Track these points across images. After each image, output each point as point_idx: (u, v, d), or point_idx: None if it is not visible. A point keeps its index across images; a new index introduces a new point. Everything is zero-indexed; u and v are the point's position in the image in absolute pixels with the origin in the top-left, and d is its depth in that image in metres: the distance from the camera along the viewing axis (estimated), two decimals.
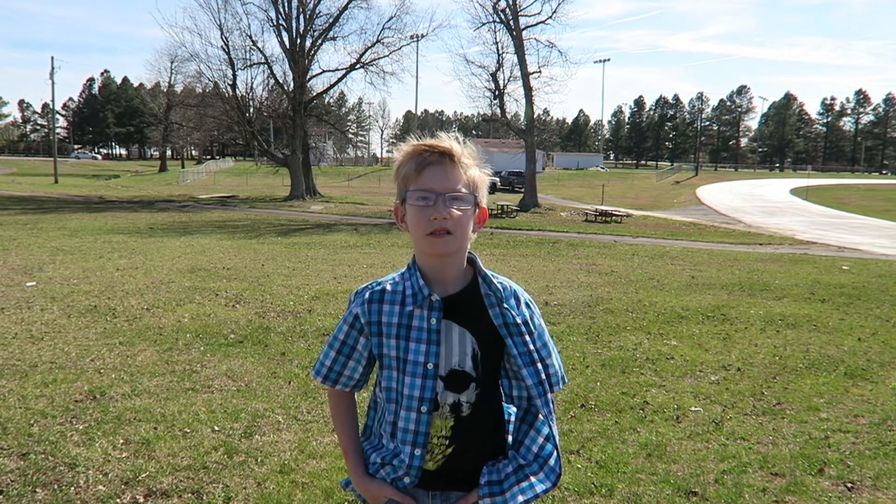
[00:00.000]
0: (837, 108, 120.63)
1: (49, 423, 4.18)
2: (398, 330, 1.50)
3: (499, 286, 1.55)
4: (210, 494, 3.36)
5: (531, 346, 1.54)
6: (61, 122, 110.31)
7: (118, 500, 3.27)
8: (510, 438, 1.61)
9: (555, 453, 1.54)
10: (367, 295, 1.54)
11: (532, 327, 1.56)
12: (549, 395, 1.54)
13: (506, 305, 1.54)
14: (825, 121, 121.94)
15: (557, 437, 1.56)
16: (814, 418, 4.68)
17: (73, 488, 3.36)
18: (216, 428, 4.19)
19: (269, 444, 3.99)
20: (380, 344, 1.53)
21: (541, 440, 1.54)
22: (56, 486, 3.38)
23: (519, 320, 1.54)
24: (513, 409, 1.63)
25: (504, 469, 1.54)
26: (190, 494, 3.36)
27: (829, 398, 5.12)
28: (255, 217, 24.78)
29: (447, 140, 1.50)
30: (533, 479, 1.52)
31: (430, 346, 1.49)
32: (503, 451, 1.60)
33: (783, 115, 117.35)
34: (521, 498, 1.50)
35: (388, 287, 1.54)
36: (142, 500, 3.29)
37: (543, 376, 1.54)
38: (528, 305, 1.59)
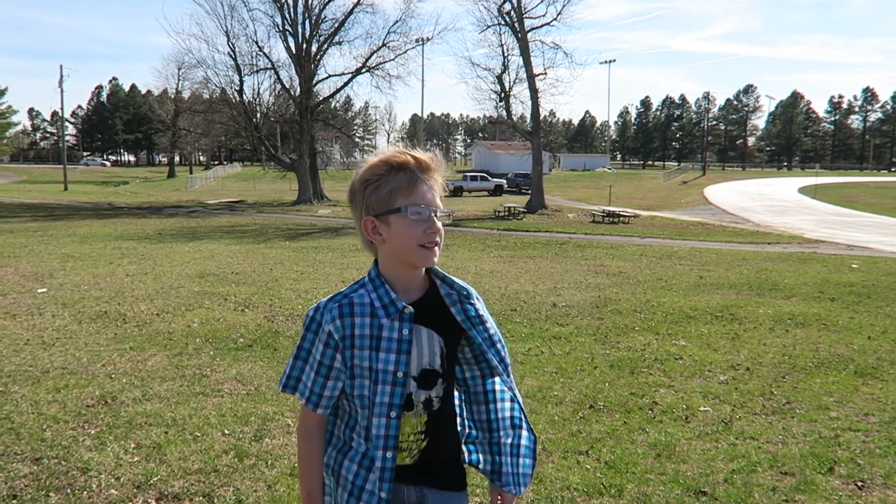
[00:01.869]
0: (845, 105, 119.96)
1: (61, 427, 4.22)
2: (370, 342, 1.55)
3: (462, 286, 1.67)
4: (221, 498, 3.38)
5: (490, 332, 1.67)
6: (70, 129, 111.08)
7: None
8: (468, 419, 1.77)
9: (523, 413, 1.75)
10: (336, 311, 1.55)
11: (486, 316, 1.69)
12: (510, 369, 1.70)
13: (469, 302, 1.65)
14: (833, 119, 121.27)
15: (520, 398, 1.74)
16: (824, 417, 4.67)
17: (85, 492, 3.40)
18: (226, 432, 4.22)
19: (280, 447, 4.01)
20: (352, 356, 1.56)
21: (508, 404, 1.74)
22: (69, 491, 3.41)
23: (479, 313, 1.66)
24: (457, 395, 1.76)
25: (496, 456, 1.73)
26: (201, 498, 3.38)
27: (839, 397, 5.11)
28: (263, 222, 24.88)
29: (429, 156, 1.56)
30: (522, 440, 1.74)
31: (399, 356, 1.55)
32: (459, 440, 1.74)
33: (790, 113, 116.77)
34: (528, 461, 1.73)
35: (356, 300, 1.57)
36: (153, 503, 3.32)
37: (503, 354, 1.69)
38: (478, 299, 1.71)
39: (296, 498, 3.38)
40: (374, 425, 1.56)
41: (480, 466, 1.77)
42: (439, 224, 1.55)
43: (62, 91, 53.72)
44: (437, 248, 1.56)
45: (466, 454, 1.78)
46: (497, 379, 1.72)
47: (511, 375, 1.71)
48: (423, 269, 1.62)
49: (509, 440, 1.73)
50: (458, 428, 1.76)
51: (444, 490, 1.66)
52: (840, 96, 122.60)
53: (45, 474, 3.57)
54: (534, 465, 1.76)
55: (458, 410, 1.76)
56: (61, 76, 53.90)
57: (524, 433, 1.75)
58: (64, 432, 4.14)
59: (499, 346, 1.69)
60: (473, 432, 1.78)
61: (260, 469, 3.71)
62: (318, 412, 1.60)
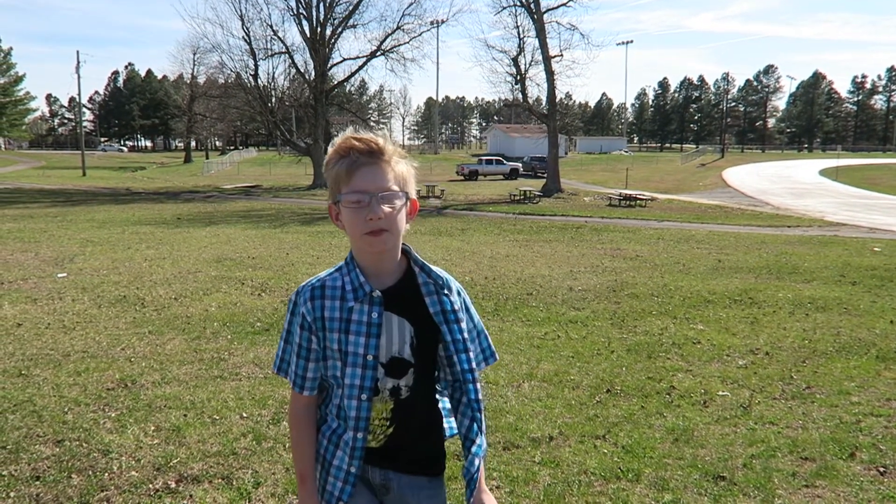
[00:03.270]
0: (868, 85, 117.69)
1: (82, 410, 4.27)
2: (340, 324, 1.56)
3: (439, 275, 1.62)
4: (240, 480, 3.41)
5: (464, 334, 1.62)
6: (88, 115, 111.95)
7: (150, 486, 3.34)
8: (453, 427, 1.72)
9: (480, 436, 1.66)
10: (308, 293, 1.57)
11: (464, 313, 1.64)
12: (479, 383, 1.64)
13: (445, 293, 1.61)
14: (855, 99, 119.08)
15: (483, 419, 1.66)
16: (845, 402, 4.61)
17: (106, 474, 3.44)
18: (244, 415, 4.25)
19: None
20: (323, 338, 1.58)
21: (467, 422, 1.65)
22: (90, 472, 3.46)
23: (455, 307, 1.61)
24: (447, 398, 1.73)
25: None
26: (220, 480, 3.41)
27: (860, 382, 5.04)
28: (279, 206, 24.98)
29: (375, 138, 1.53)
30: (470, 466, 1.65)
31: (369, 339, 1.55)
32: (438, 429, 1.71)
33: (812, 94, 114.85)
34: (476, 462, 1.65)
35: (328, 283, 1.58)
36: (173, 485, 3.36)
37: (473, 365, 1.62)
38: (459, 293, 1.66)
39: None
40: (346, 406, 1.59)
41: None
42: (380, 209, 1.48)
43: (79, 77, 54.05)
44: (384, 233, 1.50)
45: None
46: (464, 396, 1.64)
47: (479, 389, 1.64)
48: (397, 254, 1.59)
49: (466, 461, 1.67)
50: (446, 416, 1.73)
51: (410, 475, 1.66)
52: (863, 76, 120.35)
53: (66, 456, 3.62)
54: (476, 488, 1.65)
55: (445, 414, 1.74)
56: (78, 62, 54.25)
57: (474, 461, 1.65)
58: (85, 415, 4.19)
59: (471, 353, 1.62)
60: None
61: (278, 452, 3.73)
62: (305, 394, 1.63)
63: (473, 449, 1.65)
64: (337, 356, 1.57)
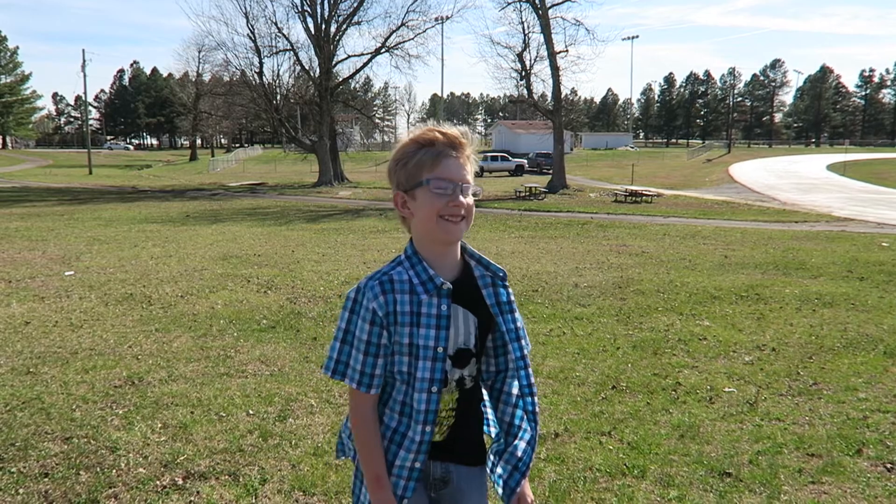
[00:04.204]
0: (876, 79, 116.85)
1: (90, 408, 4.30)
2: (410, 318, 1.57)
3: (499, 267, 1.69)
4: (246, 476, 3.43)
5: (517, 324, 1.69)
6: (94, 113, 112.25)
7: (158, 483, 3.36)
8: (489, 418, 1.79)
9: (535, 422, 1.73)
10: (377, 288, 1.56)
11: (515, 306, 1.71)
12: (530, 368, 1.71)
13: (501, 284, 1.68)
14: (863, 93, 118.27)
15: (537, 400, 1.73)
16: (852, 398, 4.60)
17: (114, 471, 3.46)
18: (251, 412, 4.27)
19: (303, 427, 4.05)
20: (394, 332, 1.58)
21: (520, 412, 1.73)
22: (98, 469, 3.48)
23: (511, 298, 1.70)
24: (486, 390, 1.79)
25: (501, 459, 1.72)
26: (227, 476, 3.43)
27: (867, 378, 5.02)
28: (285, 204, 25.02)
29: (458, 132, 1.59)
30: (521, 454, 1.72)
31: (439, 332, 1.58)
32: (483, 419, 1.78)
33: (819, 88, 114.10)
34: (519, 477, 1.71)
35: (395, 277, 1.59)
36: (180, 482, 3.37)
37: (526, 351, 1.70)
38: (509, 286, 1.74)
39: (319, 477, 3.42)
40: (416, 400, 1.59)
41: (491, 464, 1.78)
42: (464, 199, 1.57)
43: (85, 75, 54.17)
44: (462, 221, 1.57)
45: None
46: (514, 379, 1.73)
47: (531, 373, 1.71)
48: (458, 249, 1.65)
49: (518, 453, 1.73)
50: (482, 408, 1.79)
51: (467, 465, 1.71)
52: (871, 70, 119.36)
53: (75, 453, 3.64)
54: (524, 477, 1.73)
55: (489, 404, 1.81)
56: (84, 60, 54.35)
57: (531, 450, 1.73)
58: (93, 412, 4.22)
59: (523, 341, 1.70)
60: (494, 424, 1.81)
61: (284, 449, 3.75)
62: (372, 392, 1.61)
63: (522, 435, 1.72)
64: (405, 350, 1.58)
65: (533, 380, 1.72)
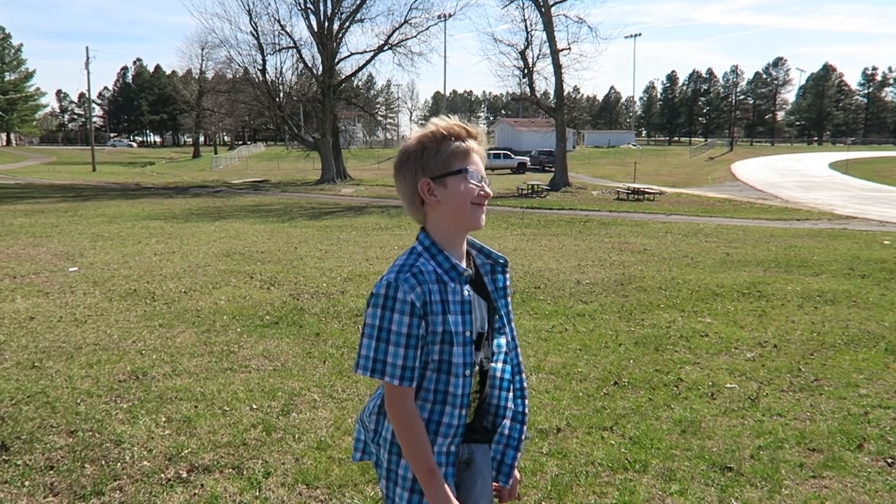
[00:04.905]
0: (879, 77, 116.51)
1: (95, 402, 4.32)
2: (442, 306, 1.61)
3: (500, 255, 1.79)
4: (250, 469, 3.46)
5: (510, 308, 1.81)
6: (97, 111, 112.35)
7: (162, 476, 3.38)
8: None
9: (524, 403, 1.82)
10: (412, 280, 1.57)
11: (509, 290, 1.81)
12: (520, 349, 1.83)
13: (500, 271, 1.79)
14: (866, 91, 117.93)
15: (525, 379, 1.83)
16: (853, 394, 4.61)
17: (119, 464, 3.49)
18: (254, 406, 4.30)
19: (306, 421, 4.07)
20: (430, 322, 1.60)
21: (513, 395, 1.81)
22: (103, 462, 3.50)
23: (508, 283, 1.80)
24: None
25: (497, 445, 1.80)
26: (231, 470, 3.46)
27: (868, 374, 5.03)
28: (287, 201, 25.05)
29: (479, 129, 1.68)
30: (517, 434, 1.81)
31: (464, 316, 1.63)
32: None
33: (822, 86, 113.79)
34: (514, 453, 1.81)
35: (422, 268, 1.61)
36: (185, 475, 3.40)
37: (515, 333, 1.82)
38: (507, 272, 1.83)
39: (322, 470, 3.44)
40: (452, 385, 1.62)
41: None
42: (489, 189, 1.68)
43: (88, 73, 54.33)
44: (485, 208, 1.68)
45: None
46: (505, 364, 1.79)
47: (520, 353, 1.83)
48: (465, 239, 1.73)
49: (507, 431, 1.79)
50: None
51: (484, 443, 1.77)
52: (874, 68, 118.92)
53: (80, 446, 3.67)
54: (518, 451, 1.81)
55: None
56: (87, 58, 54.44)
57: (521, 427, 1.81)
58: (97, 406, 4.25)
59: (513, 322, 1.81)
60: None
61: (287, 442, 3.77)
62: (413, 385, 1.60)
63: (510, 414, 1.79)
64: (438, 339, 1.60)
65: (521, 359, 1.83)
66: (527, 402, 1.82)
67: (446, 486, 1.59)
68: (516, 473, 1.82)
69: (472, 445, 1.73)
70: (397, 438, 1.62)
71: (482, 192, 1.65)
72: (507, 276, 1.81)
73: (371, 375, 1.57)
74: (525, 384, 1.83)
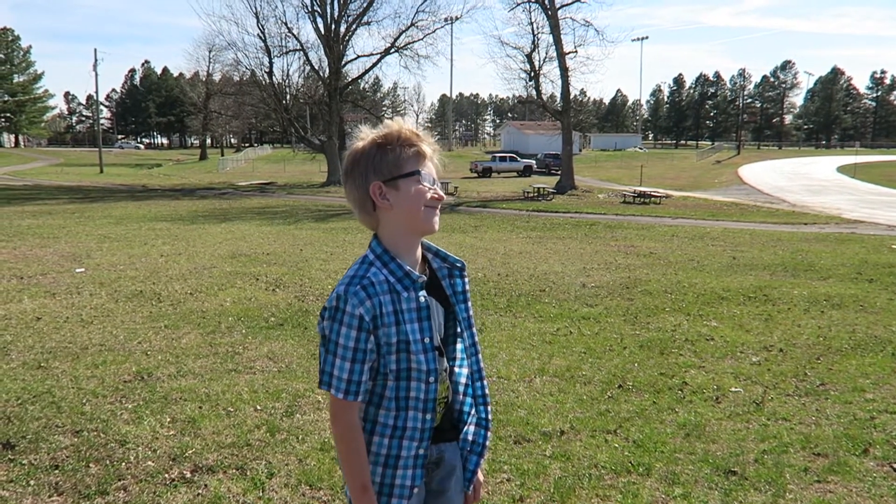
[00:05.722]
0: (888, 81, 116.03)
1: (100, 402, 4.34)
2: (395, 317, 1.57)
3: (457, 259, 1.75)
4: (254, 470, 3.46)
5: (469, 313, 1.76)
6: (105, 112, 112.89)
7: (166, 475, 3.39)
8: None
9: (487, 408, 1.81)
10: (362, 293, 1.54)
11: (469, 296, 1.77)
12: (480, 354, 1.80)
13: (458, 275, 1.74)
14: (875, 95, 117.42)
15: (486, 383, 1.81)
16: (859, 399, 4.58)
17: (123, 464, 3.50)
18: (258, 407, 4.31)
19: (310, 422, 4.08)
20: (383, 334, 1.56)
21: (475, 399, 1.80)
22: (108, 462, 3.52)
23: (466, 287, 1.76)
24: None
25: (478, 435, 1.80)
26: (234, 470, 3.46)
27: (875, 379, 5.01)
28: (293, 203, 25.11)
29: (428, 134, 1.66)
30: (481, 439, 1.80)
31: (422, 323, 1.61)
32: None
33: (830, 90, 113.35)
34: (477, 459, 1.79)
35: (373, 279, 1.57)
36: (189, 475, 3.41)
37: (476, 338, 1.77)
38: (466, 276, 1.79)
39: (326, 471, 3.45)
40: (415, 389, 1.61)
41: None
42: (442, 192, 1.65)
43: (96, 75, 54.53)
44: (438, 211, 1.64)
45: None
46: (463, 368, 1.76)
47: (481, 359, 1.80)
48: (419, 243, 1.70)
49: (470, 437, 1.78)
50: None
51: (451, 442, 1.76)
52: (883, 71, 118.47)
53: (85, 446, 3.69)
54: (481, 457, 1.80)
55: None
56: (95, 60, 54.69)
57: (486, 433, 1.81)
58: (102, 406, 4.27)
59: (473, 328, 1.77)
60: None
61: (291, 443, 3.78)
62: (359, 400, 1.57)
63: (472, 420, 1.77)
64: (394, 349, 1.57)
65: (482, 365, 1.80)
66: (490, 408, 1.81)
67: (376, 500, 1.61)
68: (480, 477, 1.83)
69: (442, 445, 1.72)
70: (336, 450, 1.64)
71: (435, 195, 1.62)
72: (466, 280, 1.76)
73: (319, 387, 1.58)
74: (486, 391, 1.80)
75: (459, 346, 1.74)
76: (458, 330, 1.73)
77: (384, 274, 1.58)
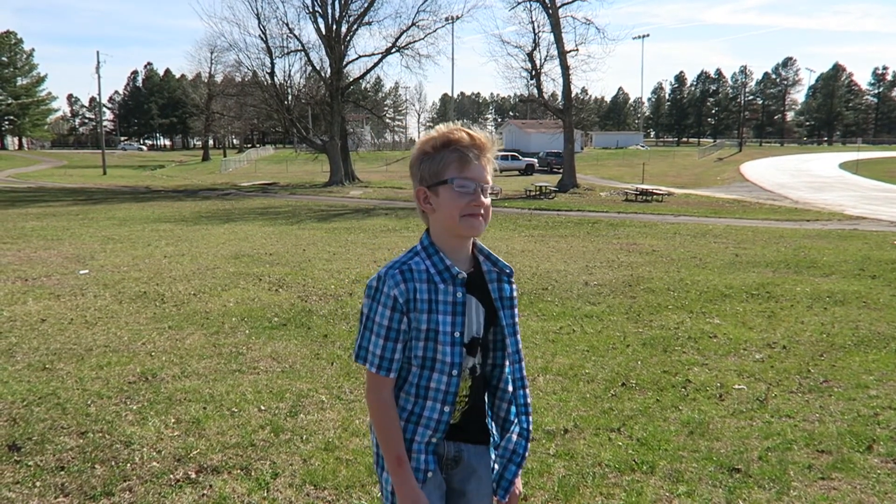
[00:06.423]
0: (889, 77, 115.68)
1: (105, 403, 4.36)
2: (429, 305, 1.63)
3: (506, 264, 1.77)
4: (258, 470, 3.47)
5: (515, 319, 1.78)
6: (108, 115, 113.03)
7: (171, 476, 3.40)
8: (491, 411, 1.83)
9: (528, 419, 1.80)
10: (398, 276, 1.63)
11: (515, 302, 1.79)
12: (524, 362, 1.80)
13: (506, 281, 1.76)
14: (876, 91, 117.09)
15: (529, 392, 1.81)
16: (863, 395, 4.58)
17: (129, 465, 3.52)
18: (262, 407, 4.32)
19: (314, 422, 4.09)
20: (414, 319, 1.64)
21: (516, 408, 1.81)
22: (113, 463, 3.53)
23: (514, 294, 1.78)
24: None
25: (499, 458, 1.79)
26: (239, 471, 3.48)
27: (878, 375, 5.00)
28: (296, 203, 25.13)
29: (484, 135, 1.67)
30: (520, 449, 1.79)
31: (455, 318, 1.65)
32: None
33: (831, 86, 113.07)
34: (515, 469, 1.78)
35: (413, 266, 1.65)
36: (193, 475, 3.42)
37: (519, 346, 1.78)
38: (514, 283, 1.81)
39: (330, 471, 3.46)
40: (435, 380, 1.66)
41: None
42: (484, 199, 1.65)
43: (99, 77, 54.78)
44: (481, 219, 1.64)
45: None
46: (508, 374, 1.79)
47: (524, 367, 1.80)
48: (471, 243, 1.73)
49: (511, 446, 1.79)
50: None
51: (476, 444, 1.77)
52: (884, 68, 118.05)
53: (90, 447, 3.70)
54: (520, 468, 1.80)
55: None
56: (98, 62, 54.89)
57: (526, 444, 1.80)
58: (107, 407, 4.28)
59: (518, 335, 1.78)
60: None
61: (295, 444, 3.79)
62: (391, 376, 1.66)
63: (515, 428, 1.79)
64: (423, 336, 1.64)
65: (525, 373, 1.81)
66: (531, 418, 1.81)
67: (412, 476, 1.65)
68: (517, 488, 1.80)
69: (461, 444, 1.74)
70: (371, 421, 1.70)
71: (474, 203, 1.63)
72: (514, 286, 1.78)
73: (356, 361, 1.68)
74: (529, 400, 1.81)
75: (504, 352, 1.76)
76: (502, 336, 1.75)
77: (426, 264, 1.66)
